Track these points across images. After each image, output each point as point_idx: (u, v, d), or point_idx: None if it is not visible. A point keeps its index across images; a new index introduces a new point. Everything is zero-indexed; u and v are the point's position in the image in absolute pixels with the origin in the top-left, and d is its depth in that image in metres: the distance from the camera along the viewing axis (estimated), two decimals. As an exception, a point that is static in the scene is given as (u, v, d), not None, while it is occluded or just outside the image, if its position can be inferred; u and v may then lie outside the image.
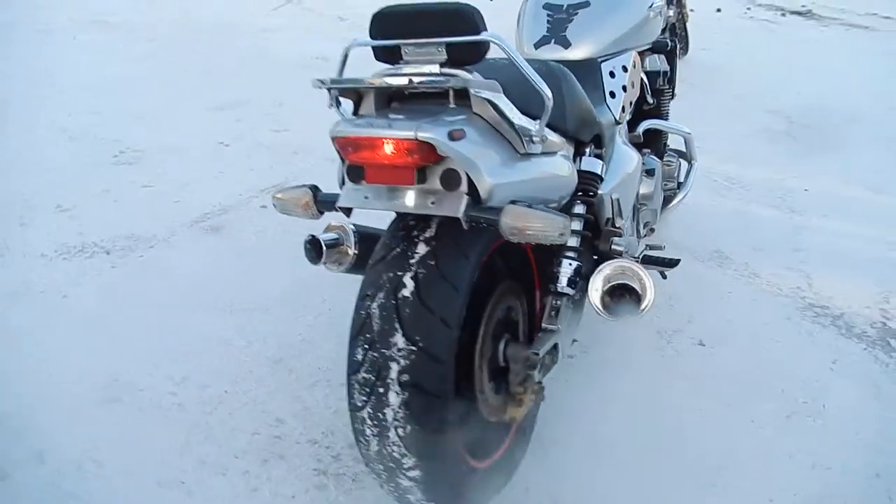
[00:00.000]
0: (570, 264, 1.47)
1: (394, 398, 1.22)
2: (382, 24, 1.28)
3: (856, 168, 3.45)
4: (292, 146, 3.36)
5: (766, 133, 3.99)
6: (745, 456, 1.73)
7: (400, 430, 1.23)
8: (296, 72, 4.40)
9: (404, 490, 1.30)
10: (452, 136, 1.15)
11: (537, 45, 1.94)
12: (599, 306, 1.36)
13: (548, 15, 1.98)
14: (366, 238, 1.57)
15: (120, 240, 2.48)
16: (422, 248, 1.27)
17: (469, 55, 1.23)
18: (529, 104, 1.31)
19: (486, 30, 1.22)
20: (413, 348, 1.21)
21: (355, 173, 1.28)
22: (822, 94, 4.47)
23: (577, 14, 1.95)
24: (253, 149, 3.31)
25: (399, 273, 1.25)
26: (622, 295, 1.34)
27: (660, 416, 1.80)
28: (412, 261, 1.26)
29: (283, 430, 1.76)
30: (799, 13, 6.76)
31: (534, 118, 1.32)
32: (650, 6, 2.03)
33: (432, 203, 1.22)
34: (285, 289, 2.25)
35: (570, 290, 1.47)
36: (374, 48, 1.31)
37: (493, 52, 1.28)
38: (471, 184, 1.20)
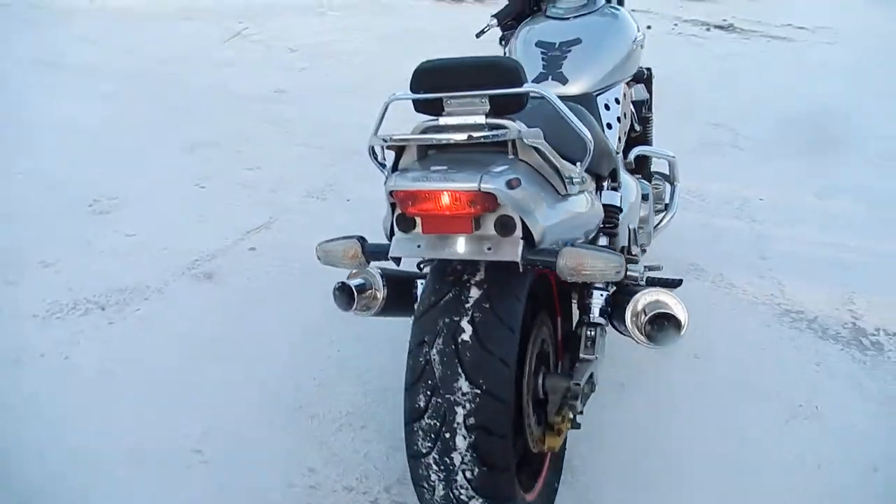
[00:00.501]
0: (601, 294, 1.55)
1: (461, 442, 1.26)
2: (425, 77, 1.33)
3: (801, 175, 3.68)
4: (268, 184, 3.36)
5: (713, 146, 4.20)
6: (758, 459, 1.85)
7: (468, 473, 1.27)
8: (257, 106, 4.40)
9: None
10: (511, 185, 1.21)
11: (535, 82, 2.02)
12: (643, 337, 1.43)
13: (541, 53, 2.07)
14: (393, 281, 1.61)
15: (112, 294, 2.44)
16: (475, 293, 1.32)
17: (512, 105, 1.30)
18: (566, 147, 1.38)
19: (527, 81, 1.29)
20: (478, 391, 1.26)
21: (406, 223, 1.33)
22: (756, 103, 4.74)
23: (570, 51, 2.04)
24: (230, 189, 3.29)
25: (456, 318, 1.30)
26: (661, 323, 1.41)
27: (669, 428, 1.91)
28: (467, 305, 1.31)
29: (318, 479, 1.77)
30: (722, 27, 7.12)
31: (572, 161, 1.39)
32: (634, 39, 2.15)
33: (489, 249, 1.28)
34: (291, 334, 2.27)
35: (602, 321, 1.55)
36: (414, 101, 1.36)
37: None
38: (523, 227, 1.26)
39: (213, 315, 2.36)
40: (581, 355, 1.54)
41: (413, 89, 1.34)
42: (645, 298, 1.46)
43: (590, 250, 1.25)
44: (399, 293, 1.63)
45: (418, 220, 1.32)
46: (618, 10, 2.21)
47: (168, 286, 2.51)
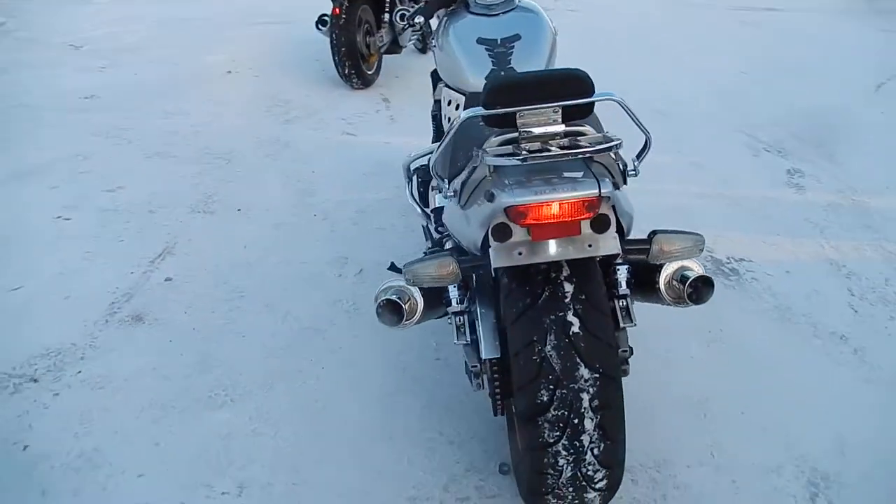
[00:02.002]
0: (627, 268, 1.71)
1: (589, 424, 1.38)
2: (500, 93, 1.37)
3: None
4: (140, 204, 3.05)
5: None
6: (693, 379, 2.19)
7: (595, 450, 1.39)
8: (73, 117, 3.90)
9: (584, 502, 1.46)
10: (616, 187, 1.32)
11: (488, 77, 2.11)
12: (685, 300, 1.60)
13: (486, 49, 2.15)
14: (426, 289, 1.65)
15: (38, 361, 2.10)
16: (568, 288, 1.43)
17: (582, 112, 1.39)
18: None
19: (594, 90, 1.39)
20: (597, 375, 1.38)
21: (502, 233, 1.37)
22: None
23: (513, 47, 2.15)
24: (101, 217, 2.93)
25: (561, 314, 1.40)
26: (698, 285, 1.60)
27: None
28: (566, 300, 1.41)
29: None
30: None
31: None
32: (553, 31, 2.31)
33: (590, 246, 1.37)
34: (254, 367, 2.18)
35: (628, 291, 1.72)
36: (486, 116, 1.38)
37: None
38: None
39: (162, 362, 2.15)
40: (622, 324, 1.70)
41: (487, 104, 1.37)
42: (672, 267, 1.64)
43: (676, 233, 1.41)
44: (431, 299, 1.66)
45: (514, 228, 1.37)
46: (532, 4, 2.35)
47: (98, 339, 2.22)
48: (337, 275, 2.68)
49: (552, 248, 1.38)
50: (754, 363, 2.33)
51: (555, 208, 1.29)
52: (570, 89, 1.36)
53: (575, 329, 1.39)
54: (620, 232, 1.42)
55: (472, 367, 1.67)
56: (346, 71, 4.48)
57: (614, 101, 1.38)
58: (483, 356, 1.56)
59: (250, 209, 3.09)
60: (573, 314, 1.41)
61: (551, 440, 1.39)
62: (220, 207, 3.08)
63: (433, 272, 1.43)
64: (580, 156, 1.26)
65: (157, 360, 2.16)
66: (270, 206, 3.13)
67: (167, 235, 2.81)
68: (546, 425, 1.38)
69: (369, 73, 4.69)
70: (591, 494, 1.45)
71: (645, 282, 1.61)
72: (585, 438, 1.39)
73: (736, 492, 1.90)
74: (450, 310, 1.72)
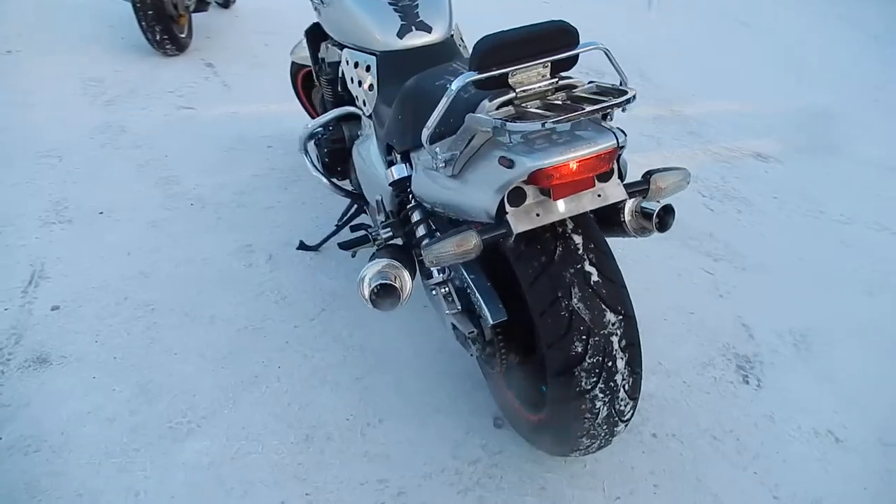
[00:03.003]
0: None
1: (620, 364, 1.46)
2: (493, 54, 1.32)
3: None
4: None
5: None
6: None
7: (626, 386, 1.48)
8: None
9: (614, 434, 1.55)
10: (624, 135, 1.35)
11: (401, 35, 2.02)
12: (653, 230, 1.69)
13: (389, 3, 2.05)
14: (408, 260, 1.61)
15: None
16: (578, 240, 1.47)
17: (569, 65, 1.39)
18: None
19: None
20: (620, 317, 1.45)
21: (516, 197, 1.36)
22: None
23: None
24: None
25: (579, 266, 1.44)
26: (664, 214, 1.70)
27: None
28: (580, 252, 1.45)
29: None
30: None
31: None
32: None
33: (599, 196, 1.40)
34: (204, 384, 2.01)
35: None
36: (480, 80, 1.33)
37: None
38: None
39: (106, 401, 1.88)
40: None
41: (480, 67, 1.32)
42: (631, 202, 1.71)
43: (667, 170, 1.48)
44: (411, 264, 1.64)
45: (528, 189, 1.36)
46: None
47: (2, 395, 1.87)
48: (246, 265, 2.49)
49: (567, 204, 1.39)
50: (651, 272, 2.58)
51: (573, 165, 1.30)
52: (559, 41, 1.35)
53: (595, 277, 1.44)
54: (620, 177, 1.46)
55: (469, 333, 1.67)
56: (158, 37, 4.02)
57: (601, 49, 1.40)
58: (490, 321, 1.56)
59: (113, 210, 2.73)
60: (589, 264, 1.45)
61: (588, 386, 1.45)
62: (76, 214, 2.68)
63: (455, 249, 1.38)
64: (605, 111, 1.27)
65: (90, 402, 1.89)
66: (135, 203, 2.78)
67: (28, 257, 2.41)
68: (583, 374, 1.44)
69: (182, 36, 4.25)
70: (620, 427, 1.54)
71: (606, 218, 1.69)
72: (618, 377, 1.46)
73: (689, 391, 2.12)
74: (431, 281, 1.70)
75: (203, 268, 2.45)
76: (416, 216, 1.74)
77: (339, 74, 2.26)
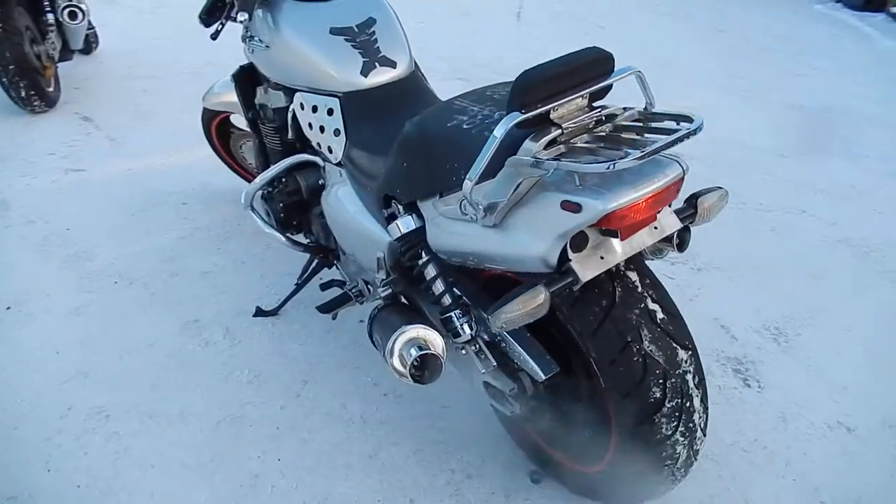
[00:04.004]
0: None
1: (696, 402, 1.38)
2: (537, 91, 1.19)
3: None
4: None
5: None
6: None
7: (701, 423, 1.40)
8: None
9: (687, 475, 1.46)
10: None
11: (365, 73, 1.84)
12: (676, 249, 1.62)
13: (346, 40, 1.86)
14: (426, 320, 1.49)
15: None
16: (633, 276, 1.38)
17: (604, 93, 1.29)
18: None
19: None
20: (689, 352, 1.37)
21: (579, 241, 1.24)
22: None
23: (374, 32, 1.90)
24: None
25: (642, 305, 1.34)
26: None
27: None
28: (639, 290, 1.36)
29: None
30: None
31: None
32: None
33: (656, 228, 1.31)
34: (197, 496, 1.69)
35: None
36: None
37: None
38: None
39: None
40: None
41: (523, 106, 1.18)
42: None
43: (710, 191, 1.40)
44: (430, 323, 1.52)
45: (589, 232, 1.25)
46: None
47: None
48: (202, 345, 2.19)
49: (630, 243, 1.29)
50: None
51: (663, 196, 1.20)
52: (597, 70, 1.25)
53: (660, 315, 1.36)
54: None
55: (511, 390, 1.53)
56: (23, 93, 3.57)
57: (635, 73, 1.30)
58: (541, 376, 1.42)
59: (22, 302, 2.33)
60: (652, 301, 1.36)
61: (669, 432, 1.35)
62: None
63: (524, 308, 1.23)
64: (676, 143, 1.17)
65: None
66: (47, 290, 2.40)
67: None
68: (663, 420, 1.34)
69: (49, 89, 3.81)
70: (693, 465, 1.45)
71: None
72: (696, 417, 1.38)
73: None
74: (459, 340, 1.54)
75: (152, 355, 2.13)
76: (430, 271, 1.57)
77: (288, 120, 2.04)
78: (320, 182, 2.04)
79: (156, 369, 2.08)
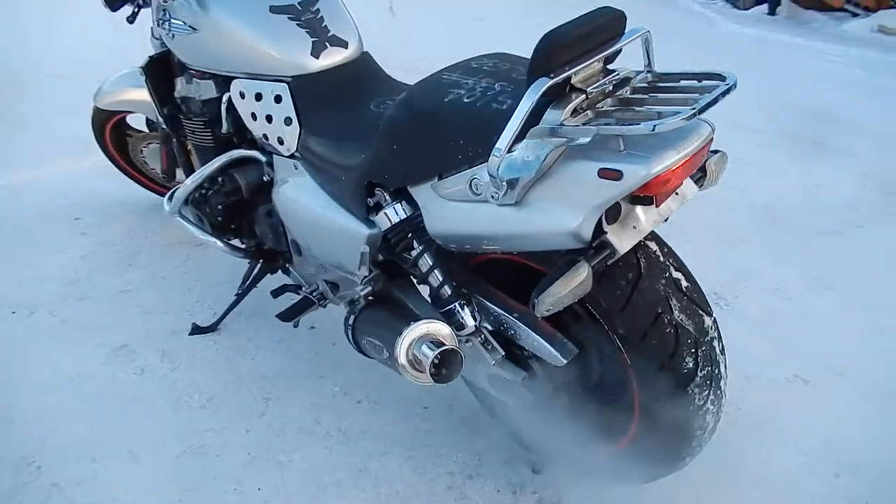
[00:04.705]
0: None
1: (723, 368, 1.36)
2: (560, 53, 1.11)
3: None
4: None
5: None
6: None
7: (726, 389, 1.38)
8: None
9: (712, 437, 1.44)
10: None
11: (315, 53, 1.68)
12: None
13: (290, 19, 1.69)
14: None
15: None
16: (654, 246, 1.34)
17: (616, 55, 1.23)
18: None
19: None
20: (712, 318, 1.35)
21: (613, 213, 1.18)
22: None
23: (318, 10, 1.73)
24: None
25: (667, 274, 1.30)
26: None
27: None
28: (661, 259, 1.32)
29: None
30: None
31: None
32: None
33: (676, 194, 1.26)
34: None
35: None
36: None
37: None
38: None
39: None
40: None
41: (547, 71, 1.10)
42: None
43: (714, 153, 1.37)
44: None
45: (623, 204, 1.19)
46: None
47: None
48: (137, 372, 1.94)
49: (660, 211, 1.24)
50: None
51: (699, 157, 1.15)
52: (614, 30, 1.20)
53: (684, 283, 1.33)
54: None
55: (522, 379, 1.45)
56: None
57: (644, 34, 1.25)
58: (561, 360, 1.35)
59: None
60: (675, 269, 1.32)
61: (701, 401, 1.32)
62: None
63: (569, 288, 1.15)
64: (720, 99, 1.12)
65: None
66: None
67: None
68: (696, 390, 1.30)
69: None
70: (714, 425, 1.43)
71: None
72: (723, 384, 1.36)
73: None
74: (463, 332, 1.44)
75: (79, 390, 1.85)
76: (426, 262, 1.45)
77: (222, 113, 1.83)
78: (264, 178, 1.85)
79: (87, 405, 1.81)
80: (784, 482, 1.69)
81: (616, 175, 1.10)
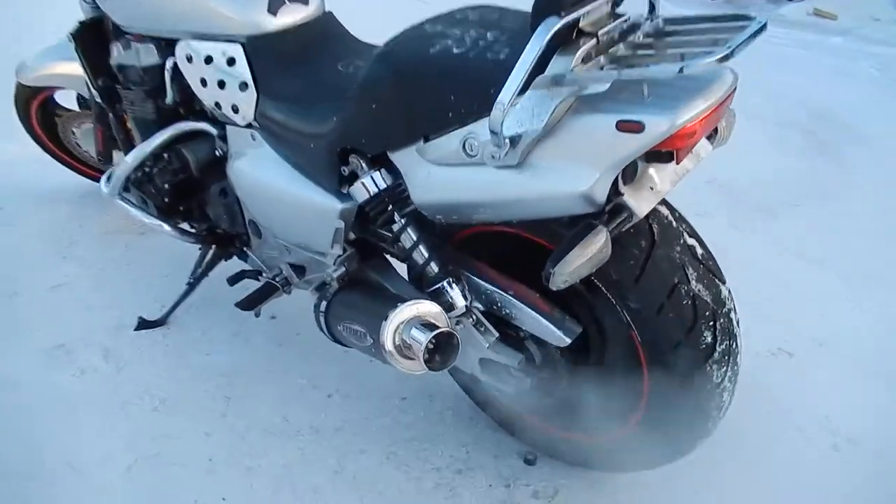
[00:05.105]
0: None
1: (739, 342, 1.26)
2: None
3: None
4: None
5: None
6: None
7: (741, 364, 1.28)
8: None
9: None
10: None
11: (273, 10, 1.50)
12: None
13: (245, -26, 1.51)
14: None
15: None
16: (665, 210, 1.24)
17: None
18: None
19: None
20: (727, 287, 1.24)
21: (629, 174, 1.05)
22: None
23: (275, -37, 1.55)
24: None
25: (681, 241, 1.20)
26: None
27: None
28: (674, 225, 1.22)
29: None
30: None
31: None
32: None
33: (691, 153, 1.14)
34: None
35: None
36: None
37: None
38: None
39: None
40: None
41: (559, 9, 0.96)
42: None
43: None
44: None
45: (640, 163, 1.06)
46: None
47: None
48: (78, 374, 1.73)
49: (677, 170, 1.12)
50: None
51: (724, 107, 1.03)
52: None
53: (699, 250, 1.22)
54: None
55: (519, 363, 1.32)
56: None
57: None
58: (565, 340, 1.23)
59: None
60: (688, 235, 1.21)
61: (719, 379, 1.22)
62: None
63: (588, 255, 1.02)
64: (753, 39, 1.00)
65: None
66: None
67: None
68: (714, 366, 1.20)
69: None
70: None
71: None
72: (739, 359, 1.26)
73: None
74: (454, 313, 1.29)
75: (14, 399, 1.62)
76: (409, 236, 1.30)
77: (167, 80, 1.63)
78: (217, 153, 1.66)
79: (20, 415, 1.59)
80: (779, 456, 1.62)
81: (637, 127, 0.97)
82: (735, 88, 1.06)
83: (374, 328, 1.21)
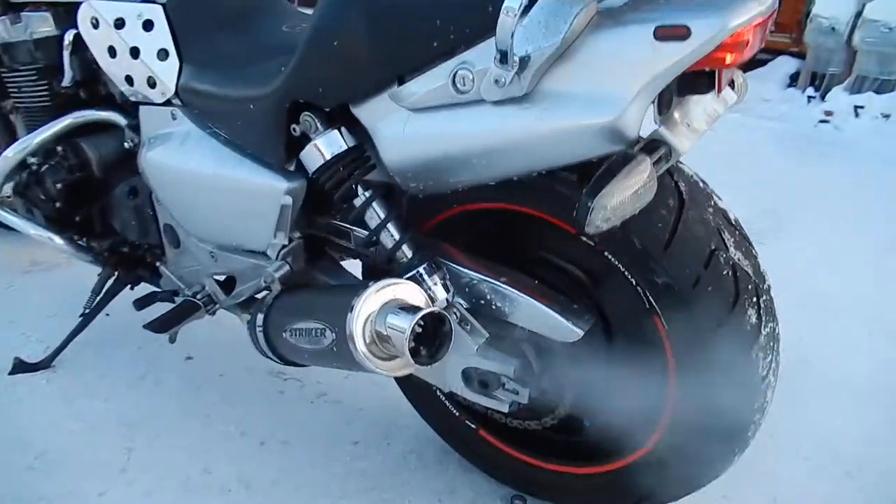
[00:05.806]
0: None
1: (780, 326, 1.05)
2: None
3: None
4: None
5: None
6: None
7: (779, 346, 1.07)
8: None
9: None
10: None
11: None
12: None
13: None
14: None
15: None
16: (687, 168, 1.03)
17: None
18: None
19: None
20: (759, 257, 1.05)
21: (666, 102, 0.86)
22: None
23: None
24: None
25: (712, 202, 1.03)
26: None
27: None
28: (702, 185, 1.04)
29: None
30: None
31: None
32: None
33: (717, 95, 0.96)
34: None
35: None
36: None
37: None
38: None
39: None
40: None
41: None
42: None
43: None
44: None
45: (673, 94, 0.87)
46: None
47: None
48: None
49: (713, 104, 0.93)
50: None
51: (770, 21, 0.85)
52: None
53: (731, 214, 1.02)
54: None
55: (514, 371, 1.06)
56: None
57: None
58: (577, 334, 0.99)
59: None
60: (717, 197, 1.02)
61: (764, 371, 1.00)
62: None
63: (634, 188, 0.79)
64: None
65: None
66: None
67: None
68: (760, 354, 0.98)
69: None
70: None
71: None
72: (781, 346, 1.05)
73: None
74: (434, 307, 1.03)
75: None
76: (376, 213, 1.04)
77: (65, 56, 1.35)
78: (126, 146, 1.36)
79: None
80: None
81: (682, 31, 0.77)
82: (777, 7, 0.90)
83: (336, 323, 0.93)
